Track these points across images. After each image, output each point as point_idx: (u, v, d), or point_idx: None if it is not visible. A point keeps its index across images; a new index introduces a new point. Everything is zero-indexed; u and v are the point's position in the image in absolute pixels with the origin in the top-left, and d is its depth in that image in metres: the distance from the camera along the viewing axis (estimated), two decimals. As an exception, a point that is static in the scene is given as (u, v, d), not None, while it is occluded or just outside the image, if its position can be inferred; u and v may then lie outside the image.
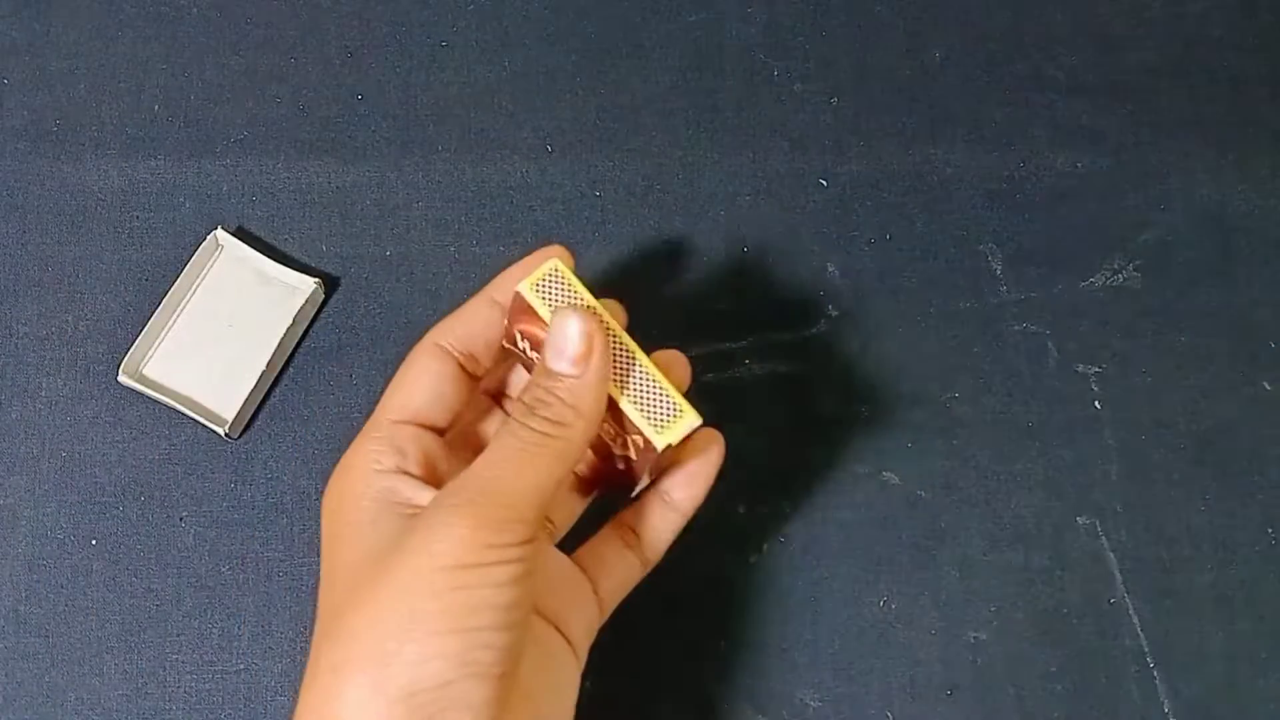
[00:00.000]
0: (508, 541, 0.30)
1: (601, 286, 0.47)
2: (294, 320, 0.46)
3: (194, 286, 0.47)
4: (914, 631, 0.44)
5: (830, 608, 0.44)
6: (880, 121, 0.50)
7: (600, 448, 0.37)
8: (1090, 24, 0.52)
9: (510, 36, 0.51)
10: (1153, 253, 0.49)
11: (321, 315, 0.47)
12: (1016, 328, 0.47)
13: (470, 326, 0.37)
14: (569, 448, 0.33)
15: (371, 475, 0.34)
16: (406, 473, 0.34)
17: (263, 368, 0.45)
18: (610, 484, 0.39)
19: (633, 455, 0.35)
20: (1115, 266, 0.48)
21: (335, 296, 0.47)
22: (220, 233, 0.47)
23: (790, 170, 0.49)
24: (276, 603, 0.43)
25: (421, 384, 0.36)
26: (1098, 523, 0.45)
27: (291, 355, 0.46)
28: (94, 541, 0.44)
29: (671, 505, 0.37)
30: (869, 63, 0.51)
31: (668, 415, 0.33)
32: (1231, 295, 0.48)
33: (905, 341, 0.47)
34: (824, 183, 0.49)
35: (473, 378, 0.37)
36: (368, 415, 0.45)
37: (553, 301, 0.34)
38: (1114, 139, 0.50)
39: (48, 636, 0.43)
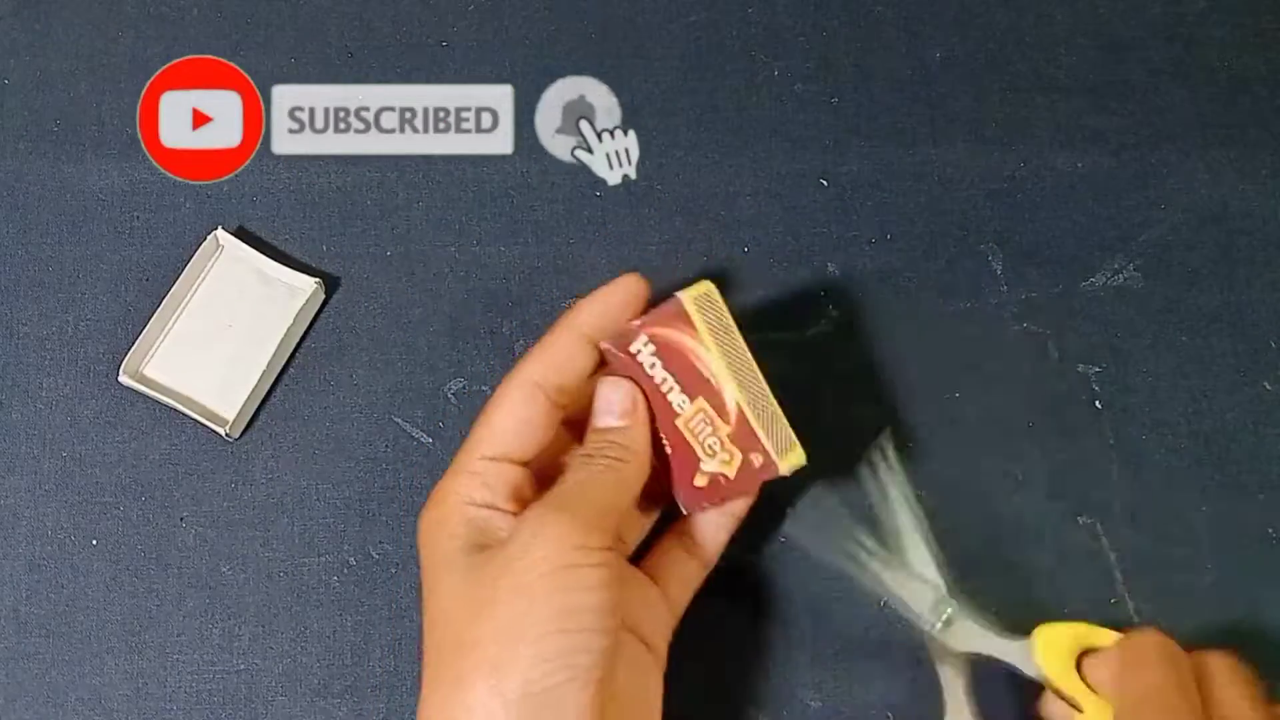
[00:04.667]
0: (595, 545, 0.34)
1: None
2: (294, 320, 0.46)
3: (194, 286, 0.47)
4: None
5: (831, 608, 0.44)
6: (880, 121, 0.50)
7: (665, 469, 0.40)
8: (1090, 24, 0.52)
9: (510, 36, 0.51)
10: (1153, 253, 0.49)
11: (321, 315, 0.47)
12: (1016, 328, 0.47)
13: (557, 360, 0.39)
14: (628, 479, 0.37)
15: (464, 509, 0.37)
16: (497, 508, 0.37)
17: (263, 368, 0.45)
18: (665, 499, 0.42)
19: (730, 474, 0.39)
20: (1115, 266, 0.48)
21: (335, 296, 0.47)
22: (220, 233, 0.47)
23: (790, 170, 0.49)
24: (277, 603, 0.43)
25: (512, 420, 0.38)
26: (1098, 523, 0.45)
27: (291, 355, 0.46)
28: (94, 541, 0.44)
29: (726, 511, 0.41)
30: (869, 63, 0.51)
31: (785, 445, 0.39)
32: (1231, 295, 0.48)
33: (905, 341, 0.47)
34: (824, 183, 0.49)
35: (560, 409, 0.39)
36: (368, 415, 0.46)
37: (708, 317, 0.38)
38: (1114, 139, 0.50)
39: (48, 636, 0.43)
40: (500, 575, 0.34)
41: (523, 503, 0.37)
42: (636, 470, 0.38)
